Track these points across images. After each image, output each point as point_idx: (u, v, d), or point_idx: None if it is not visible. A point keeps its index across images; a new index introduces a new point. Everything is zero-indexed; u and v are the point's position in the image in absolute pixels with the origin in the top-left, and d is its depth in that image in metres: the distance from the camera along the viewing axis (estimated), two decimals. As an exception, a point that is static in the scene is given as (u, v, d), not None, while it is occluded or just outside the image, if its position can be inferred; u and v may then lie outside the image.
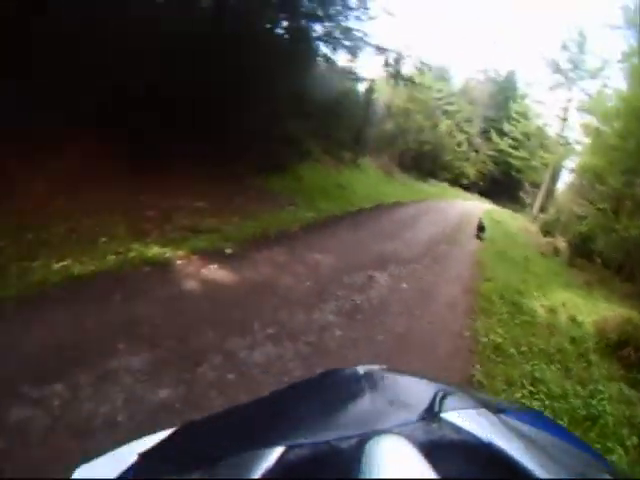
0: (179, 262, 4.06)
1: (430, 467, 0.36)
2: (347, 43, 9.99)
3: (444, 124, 28.60)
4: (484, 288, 6.28)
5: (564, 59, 25.10)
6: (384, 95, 19.15)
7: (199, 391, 2.36)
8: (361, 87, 16.13)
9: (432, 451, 0.40)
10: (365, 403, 0.54)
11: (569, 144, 25.46)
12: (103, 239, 4.05)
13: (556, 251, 15.16)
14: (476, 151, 33.51)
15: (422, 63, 13.51)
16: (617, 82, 20.80)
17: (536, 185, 29.60)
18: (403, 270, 5.88)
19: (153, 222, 4.83)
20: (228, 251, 4.58)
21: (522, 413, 0.64)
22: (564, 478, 0.41)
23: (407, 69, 13.51)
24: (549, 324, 5.67)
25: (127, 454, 0.57)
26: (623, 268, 12.37)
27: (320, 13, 8.92)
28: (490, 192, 32.31)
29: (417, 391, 0.61)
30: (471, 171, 32.66)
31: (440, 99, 29.24)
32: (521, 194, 32.99)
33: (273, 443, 0.44)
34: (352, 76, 12.19)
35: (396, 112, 21.63)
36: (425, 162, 26.27)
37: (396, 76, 11.75)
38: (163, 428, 0.69)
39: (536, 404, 3.28)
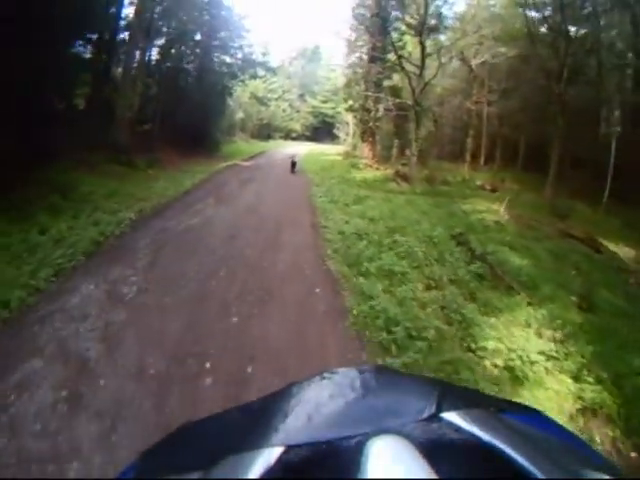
0: (235, 162, 16.99)
1: (430, 467, 0.37)
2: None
3: (272, 101, 42.50)
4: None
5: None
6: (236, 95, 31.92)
7: (276, 169, 15.74)
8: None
9: (432, 451, 0.41)
10: (365, 403, 0.54)
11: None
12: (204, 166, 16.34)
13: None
14: (297, 111, 48.59)
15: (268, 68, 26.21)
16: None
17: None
18: (281, 163, 19.39)
19: (210, 162, 17.19)
20: (244, 159, 17.69)
21: (522, 413, 0.63)
22: (564, 478, 0.41)
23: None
24: (334, 162, 20.08)
25: None
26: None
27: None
28: (314, 137, 47.91)
29: (417, 391, 0.61)
30: (297, 126, 48.34)
31: (265, 81, 42.63)
32: (335, 132, 49.14)
33: (273, 443, 0.46)
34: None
35: (244, 104, 35.02)
36: (265, 130, 41.43)
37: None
38: None
39: (327, 179, 17.05)
